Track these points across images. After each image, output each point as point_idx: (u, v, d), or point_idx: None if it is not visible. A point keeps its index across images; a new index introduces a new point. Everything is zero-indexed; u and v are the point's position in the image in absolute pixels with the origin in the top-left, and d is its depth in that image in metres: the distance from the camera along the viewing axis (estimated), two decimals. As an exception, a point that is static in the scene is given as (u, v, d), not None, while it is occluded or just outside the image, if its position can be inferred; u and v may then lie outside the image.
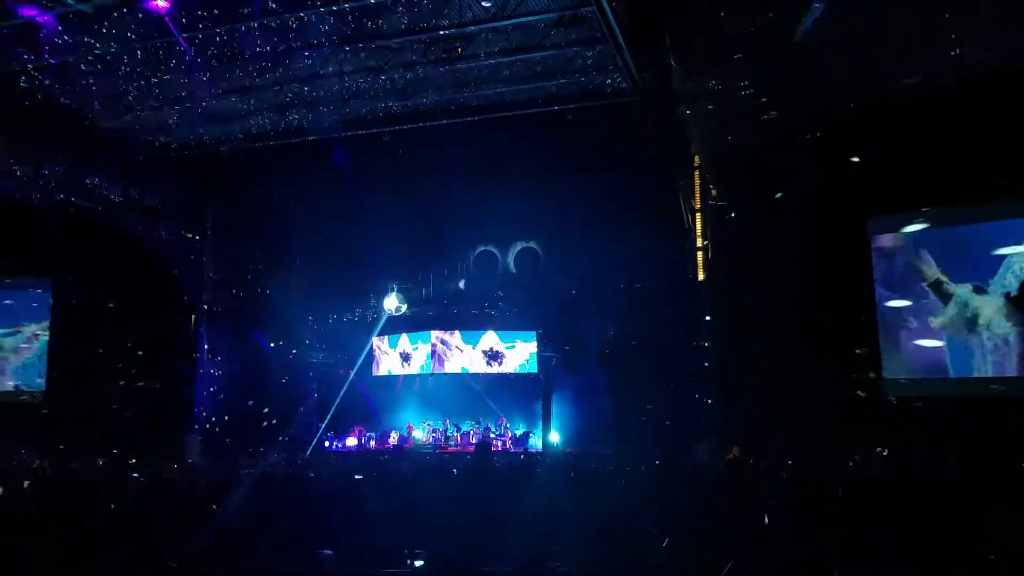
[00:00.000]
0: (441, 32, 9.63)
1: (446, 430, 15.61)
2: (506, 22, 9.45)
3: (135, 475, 8.84)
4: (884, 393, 11.03)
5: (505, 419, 15.54)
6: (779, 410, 10.85)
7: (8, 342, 15.16)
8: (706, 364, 12.30)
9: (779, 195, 11.49)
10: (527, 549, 4.77)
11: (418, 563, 3.95)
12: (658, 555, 4.72)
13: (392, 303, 15.99)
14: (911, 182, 10.66)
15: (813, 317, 10.93)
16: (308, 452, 14.48)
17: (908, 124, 10.17)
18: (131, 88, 10.88)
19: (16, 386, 15.07)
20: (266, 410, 14.55)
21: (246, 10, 8.81)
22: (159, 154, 13.28)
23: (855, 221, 11.60)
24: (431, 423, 15.93)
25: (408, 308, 16.20)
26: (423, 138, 12.50)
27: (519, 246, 15.54)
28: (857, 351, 11.19)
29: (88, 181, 13.16)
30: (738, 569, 4.32)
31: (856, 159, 10.76)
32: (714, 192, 12.44)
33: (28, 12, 8.58)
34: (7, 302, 15.42)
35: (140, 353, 14.08)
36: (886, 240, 11.64)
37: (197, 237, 14.97)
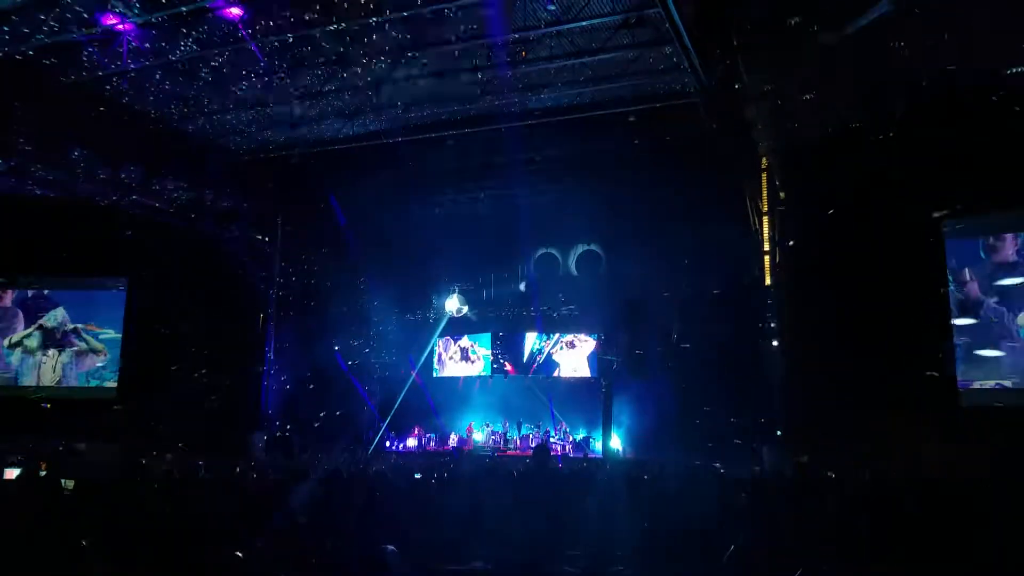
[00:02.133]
0: (505, 36, 9.65)
1: (506, 433, 15.62)
2: (570, 25, 9.41)
3: (204, 473, 9.12)
4: (958, 399, 10.57)
5: (565, 423, 15.46)
6: (847, 416, 10.51)
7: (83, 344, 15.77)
8: (772, 368, 11.99)
9: (831, 211, 11.17)
10: (588, 554, 4.73)
11: (478, 563, 3.96)
12: (723, 562, 4.61)
13: (453, 305, 16.12)
14: (990, 182, 10.19)
15: (883, 321, 10.55)
16: (369, 451, 14.69)
17: (984, 122, 9.73)
18: (205, 93, 11.27)
19: (89, 380, 15.64)
20: (338, 412, 14.82)
21: (314, 16, 9.01)
22: (232, 158, 13.69)
23: (929, 223, 11.17)
24: (491, 425, 15.96)
25: (469, 310, 16.31)
26: (486, 141, 12.56)
27: (580, 249, 15.48)
28: (931, 357, 10.74)
29: (163, 184, 13.64)
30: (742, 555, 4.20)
31: (931, 157, 10.35)
32: (782, 195, 12.13)
33: (109, 20, 8.97)
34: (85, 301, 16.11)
35: (210, 352, 14.51)
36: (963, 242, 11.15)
37: (267, 239, 15.39)
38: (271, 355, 15.06)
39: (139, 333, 15.40)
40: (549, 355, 16.13)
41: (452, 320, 16.40)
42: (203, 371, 14.32)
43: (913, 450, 9.35)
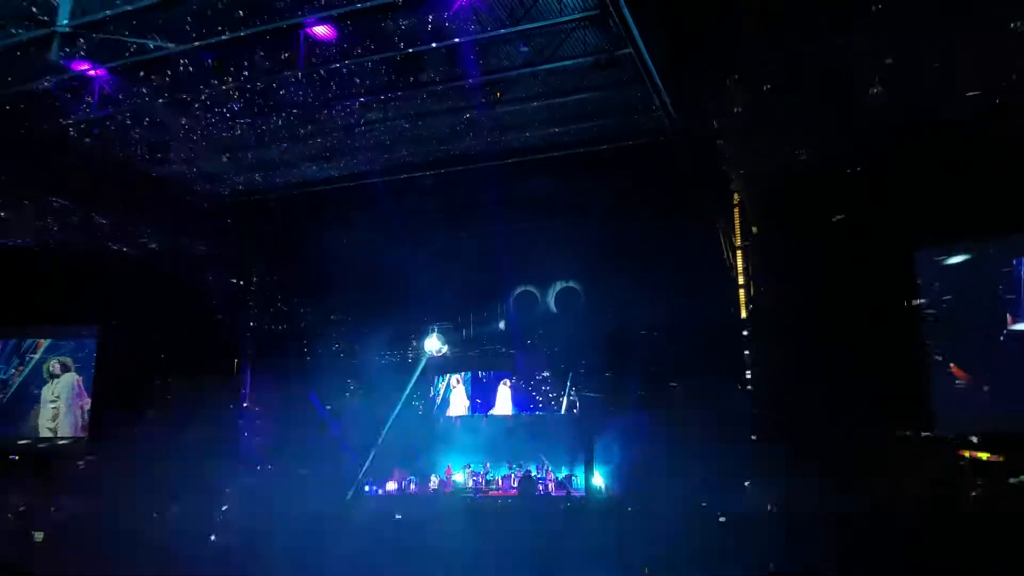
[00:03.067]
0: (480, 78, 9.77)
1: (487, 473, 15.41)
2: (543, 67, 9.54)
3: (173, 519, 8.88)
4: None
5: (547, 462, 15.30)
6: (823, 453, 10.51)
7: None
8: (749, 402, 12.01)
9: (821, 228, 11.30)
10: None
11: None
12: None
13: (433, 344, 16.02)
14: (962, 212, 10.40)
15: (858, 355, 10.64)
16: (349, 496, 14.42)
17: (957, 152, 9.98)
18: (178, 138, 11.21)
19: (52, 431, 15.15)
20: (317, 457, 14.55)
21: (288, 62, 9.04)
22: (206, 202, 13.60)
23: (902, 254, 11.34)
24: (471, 466, 15.74)
25: (449, 349, 16.21)
26: (464, 181, 12.63)
27: (559, 286, 15.51)
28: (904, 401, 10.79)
29: (136, 229, 13.49)
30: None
31: (903, 190, 10.57)
32: (754, 229, 12.29)
33: (80, 67, 8.92)
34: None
35: (184, 398, 14.22)
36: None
37: (243, 283, 15.24)
38: (246, 401, 14.81)
39: (110, 380, 15.07)
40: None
41: (432, 360, 16.28)
42: (177, 418, 14.02)
43: (888, 485, 9.37)
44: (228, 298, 14.90)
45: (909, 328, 11.19)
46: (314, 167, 12.40)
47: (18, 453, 14.54)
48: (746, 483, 11.13)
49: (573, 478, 14.64)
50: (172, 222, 13.57)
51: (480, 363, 16.54)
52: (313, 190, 13.07)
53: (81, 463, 14.28)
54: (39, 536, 5.62)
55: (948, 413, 10.71)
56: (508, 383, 16.38)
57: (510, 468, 15.36)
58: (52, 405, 15.14)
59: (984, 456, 10.18)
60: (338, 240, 14.40)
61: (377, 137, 11.36)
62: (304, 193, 13.21)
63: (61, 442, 14.99)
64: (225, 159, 12.02)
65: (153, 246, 13.99)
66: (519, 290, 15.86)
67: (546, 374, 15.99)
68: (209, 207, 13.63)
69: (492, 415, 16.24)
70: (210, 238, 14.42)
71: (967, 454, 10.29)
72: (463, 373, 16.86)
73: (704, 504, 9.36)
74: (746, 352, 12.26)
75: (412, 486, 15.50)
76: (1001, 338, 10.59)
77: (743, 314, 12.25)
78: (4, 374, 15.37)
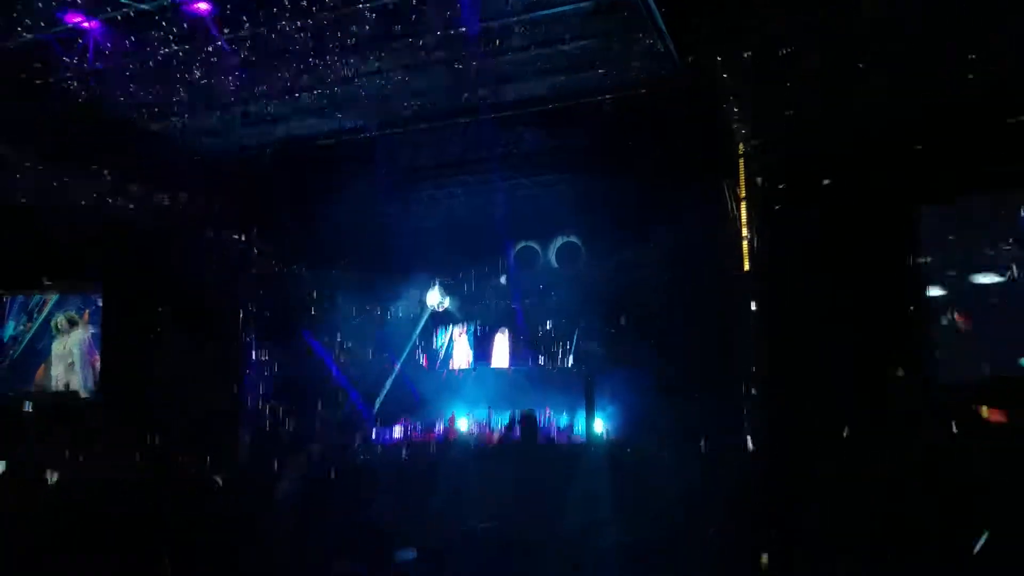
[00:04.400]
0: (479, 25, 9.60)
1: (490, 420, 15.76)
2: (542, 12, 9.36)
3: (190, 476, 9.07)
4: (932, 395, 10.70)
5: (550, 410, 15.59)
6: (820, 406, 10.63)
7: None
8: (748, 357, 12.10)
9: (826, 182, 11.25)
10: (573, 526, 4.79)
11: (469, 528, 4.00)
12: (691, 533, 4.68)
13: (434, 298, 16.17)
14: (968, 168, 10.33)
15: (859, 310, 10.67)
16: (356, 443, 14.72)
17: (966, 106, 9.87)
18: (175, 92, 11.10)
19: (67, 386, 15.35)
20: (323, 407, 14.79)
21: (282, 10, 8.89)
22: (204, 158, 13.53)
23: (905, 209, 11.29)
24: (474, 415, 16.10)
25: (451, 303, 16.37)
26: (463, 134, 12.51)
27: (560, 241, 15.53)
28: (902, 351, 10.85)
29: (134, 186, 13.47)
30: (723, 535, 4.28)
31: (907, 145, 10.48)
32: (759, 180, 12.21)
33: (74, 18, 8.80)
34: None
35: (188, 353, 14.37)
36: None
37: (243, 238, 15.26)
38: (252, 352, 14.96)
39: (115, 337, 15.20)
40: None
41: (435, 314, 16.46)
42: (182, 372, 14.20)
43: (883, 443, 9.47)
44: (227, 253, 14.93)
45: (913, 278, 11.20)
46: (310, 121, 12.28)
47: (32, 407, 14.74)
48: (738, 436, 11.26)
49: (574, 425, 14.93)
50: (170, 178, 13.52)
51: (481, 317, 16.72)
52: (315, 144, 12.97)
53: (94, 417, 14.48)
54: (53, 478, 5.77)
55: (950, 362, 10.79)
56: (507, 336, 16.59)
57: (512, 417, 15.66)
58: (64, 360, 15.30)
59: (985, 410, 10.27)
60: (339, 194, 14.37)
61: (376, 89, 11.23)
62: (306, 147, 13.12)
63: (74, 396, 15.16)
64: (220, 114, 11.90)
65: (152, 203, 13.96)
66: (520, 245, 15.92)
67: (548, 327, 16.17)
68: (208, 163, 13.56)
69: (493, 367, 16.50)
70: (210, 194, 14.38)
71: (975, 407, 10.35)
72: (464, 326, 17.07)
73: (701, 446, 9.54)
74: (748, 307, 12.29)
75: (417, 433, 15.86)
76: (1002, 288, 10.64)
77: (746, 266, 12.23)
78: (14, 330, 15.52)
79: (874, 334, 10.63)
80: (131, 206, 13.70)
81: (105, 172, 12.53)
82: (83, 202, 12.88)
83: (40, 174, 11.94)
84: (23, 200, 12.50)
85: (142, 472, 8.79)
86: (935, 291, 11.13)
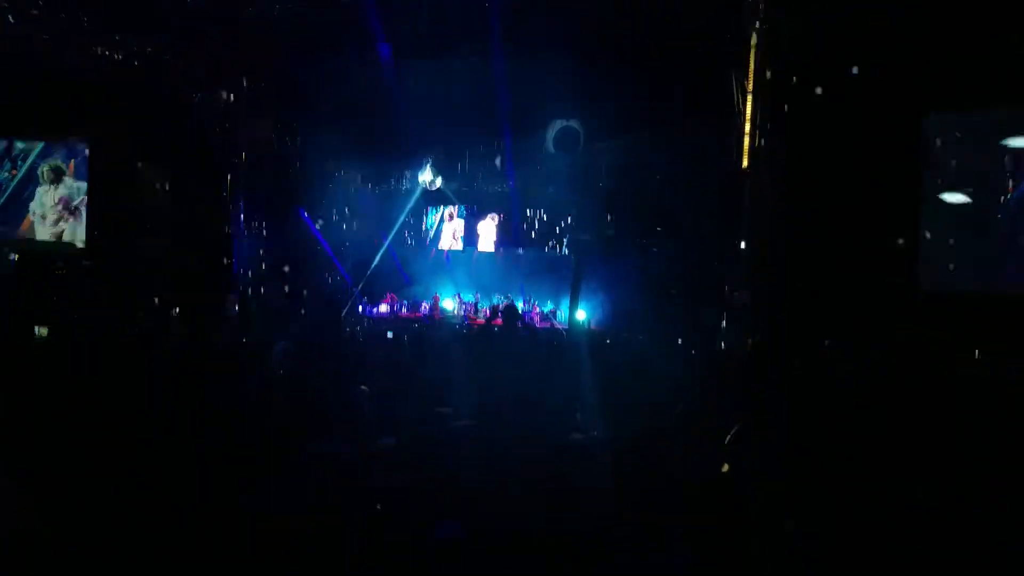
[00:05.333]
0: None
1: (476, 303, 15.93)
2: None
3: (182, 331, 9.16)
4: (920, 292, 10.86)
5: (533, 296, 15.78)
6: (811, 303, 10.78)
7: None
8: (741, 252, 12.16)
9: (855, 70, 10.91)
10: (553, 411, 4.93)
11: (447, 409, 4.14)
12: (672, 420, 4.84)
13: (427, 176, 15.95)
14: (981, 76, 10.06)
15: (857, 211, 10.66)
16: (342, 314, 14.90)
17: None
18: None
19: (58, 236, 15.19)
20: (311, 277, 14.84)
21: None
22: (193, 12, 12.90)
23: (911, 114, 11.09)
24: (461, 295, 16.27)
25: (442, 183, 16.17)
26: (462, 8, 11.96)
27: (559, 124, 15.19)
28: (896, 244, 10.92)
29: (120, 38, 12.92)
30: (744, 434, 4.39)
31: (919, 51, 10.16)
32: (768, 74, 11.87)
33: None
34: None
35: (177, 214, 14.26)
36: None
37: (233, 99, 14.81)
38: (240, 218, 14.85)
39: (103, 193, 14.98)
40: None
41: (427, 193, 16.28)
42: (171, 233, 14.14)
43: (870, 337, 9.64)
44: (217, 114, 14.53)
45: (910, 187, 11.16)
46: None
47: (16, 254, 14.67)
48: (722, 324, 11.45)
49: (557, 312, 15.16)
50: (156, 32, 12.95)
51: (473, 199, 16.58)
52: (302, 7, 12.37)
53: (82, 266, 14.47)
54: (43, 332, 5.81)
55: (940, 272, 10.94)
56: (497, 220, 16.54)
57: (496, 300, 15.86)
58: (49, 208, 15.09)
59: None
60: (329, 62, 13.88)
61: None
62: (292, 11, 12.50)
63: (68, 247, 15.03)
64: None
65: (138, 58, 13.42)
66: (517, 128, 15.54)
67: (540, 213, 16.09)
68: (196, 19, 12.95)
69: (481, 251, 16.55)
70: (197, 52, 13.82)
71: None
72: (456, 207, 16.98)
73: (680, 341, 9.73)
74: (744, 203, 12.23)
75: (403, 310, 16.06)
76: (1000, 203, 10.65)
77: (744, 163, 12.09)
78: (-2, 176, 15.19)
79: (866, 239, 10.67)
80: (118, 57, 13.18)
81: (88, 24, 11.98)
82: (65, 53, 12.38)
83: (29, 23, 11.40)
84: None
85: (132, 328, 8.86)
86: (930, 201, 11.11)
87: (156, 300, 12.46)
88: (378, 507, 3.14)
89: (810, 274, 10.87)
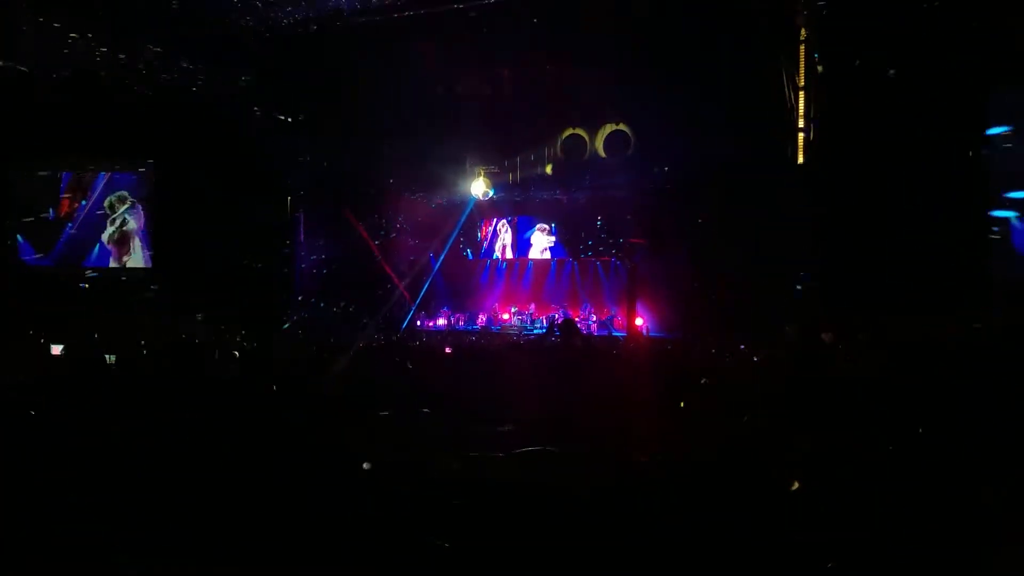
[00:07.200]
0: None
1: (531, 315, 15.91)
2: None
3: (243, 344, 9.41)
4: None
5: (590, 304, 15.69)
6: (875, 297, 10.45)
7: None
8: (798, 250, 11.89)
9: (892, 72, 10.64)
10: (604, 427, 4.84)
11: (507, 427, 4.11)
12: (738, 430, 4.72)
13: (479, 187, 16.01)
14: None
15: (918, 201, 10.32)
16: (402, 330, 15.09)
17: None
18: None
19: (124, 263, 15.74)
20: (369, 294, 15.07)
21: None
22: (253, 34, 13.28)
23: (972, 105, 10.69)
24: (516, 308, 16.27)
25: (495, 193, 16.22)
26: (510, 15, 12.01)
27: (609, 129, 15.10)
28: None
29: (182, 62, 13.35)
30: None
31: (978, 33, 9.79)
32: (819, 69, 11.59)
33: None
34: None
35: (238, 235, 14.62)
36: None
37: (290, 120, 15.17)
38: (301, 237, 15.19)
39: (168, 215, 15.45)
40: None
41: (479, 204, 16.37)
42: (233, 254, 14.51)
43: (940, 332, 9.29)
44: (276, 134, 14.89)
45: (972, 174, 10.75)
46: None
47: (87, 282, 15.27)
48: (790, 327, 11.18)
49: (615, 319, 15.04)
50: (216, 55, 13.36)
51: (526, 208, 16.60)
52: (358, 22, 12.59)
53: (150, 291, 14.97)
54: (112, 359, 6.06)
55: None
56: (548, 229, 16.51)
57: (551, 322, 15.84)
58: (118, 237, 15.66)
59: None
60: (382, 76, 14.09)
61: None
62: (349, 27, 12.74)
63: (132, 273, 15.57)
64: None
65: (199, 81, 13.88)
66: (567, 133, 15.52)
67: (593, 219, 16.02)
68: (254, 41, 13.33)
69: (537, 259, 16.54)
70: (256, 73, 14.22)
71: None
72: (509, 218, 17.02)
73: (742, 347, 9.51)
74: (802, 200, 11.95)
75: (460, 322, 16.16)
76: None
77: (800, 159, 11.82)
78: (69, 207, 15.85)
79: (934, 233, 10.32)
80: (179, 81, 13.64)
81: (151, 48, 12.43)
82: (128, 79, 12.87)
83: (85, 50, 11.90)
84: (65, 74, 12.52)
85: (200, 344, 9.13)
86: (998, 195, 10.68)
87: (221, 317, 12.81)
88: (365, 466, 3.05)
89: (874, 270, 10.55)
